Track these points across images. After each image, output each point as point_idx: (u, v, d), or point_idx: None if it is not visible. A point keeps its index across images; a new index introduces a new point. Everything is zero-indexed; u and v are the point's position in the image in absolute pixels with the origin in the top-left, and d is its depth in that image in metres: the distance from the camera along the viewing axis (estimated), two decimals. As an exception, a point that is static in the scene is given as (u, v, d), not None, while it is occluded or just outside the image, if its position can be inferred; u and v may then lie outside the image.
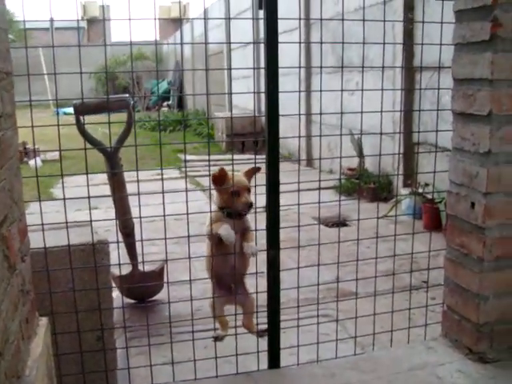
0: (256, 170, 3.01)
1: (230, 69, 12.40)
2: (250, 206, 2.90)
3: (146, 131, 15.76)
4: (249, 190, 2.95)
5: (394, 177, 7.06)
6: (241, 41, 13.06)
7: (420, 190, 5.89)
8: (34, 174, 2.35)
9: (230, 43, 12.28)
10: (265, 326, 2.77)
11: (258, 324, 2.94)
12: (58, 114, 2.29)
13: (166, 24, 35.28)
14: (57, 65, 2.25)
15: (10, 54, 2.00)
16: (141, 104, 22.52)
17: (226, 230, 2.84)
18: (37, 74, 2.63)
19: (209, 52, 16.82)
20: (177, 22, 34.92)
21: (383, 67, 2.62)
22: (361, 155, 7.27)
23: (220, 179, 2.93)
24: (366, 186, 7.23)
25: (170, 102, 22.66)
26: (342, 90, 2.50)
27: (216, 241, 2.90)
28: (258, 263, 2.69)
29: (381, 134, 2.63)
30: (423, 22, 2.51)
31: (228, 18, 12.20)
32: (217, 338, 3.01)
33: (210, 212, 2.94)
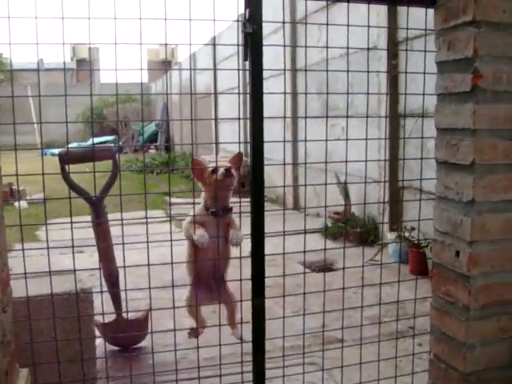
0: (239, 156, 3.05)
1: (216, 119, 12.62)
2: (227, 170, 2.96)
3: (132, 173, 15.76)
4: (230, 170, 2.99)
5: (380, 220, 7.08)
6: (227, 84, 13.23)
7: (406, 234, 5.90)
8: (20, 215, 2.35)
9: (216, 94, 12.53)
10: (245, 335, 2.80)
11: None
12: (43, 154, 2.29)
13: (154, 66, 35.70)
14: (45, 105, 2.27)
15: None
16: (128, 146, 22.61)
17: (199, 235, 2.93)
18: (25, 123, 2.65)
19: (197, 95, 17.00)
20: (165, 64, 35.35)
21: (367, 117, 2.65)
22: (347, 200, 7.30)
23: (197, 166, 3.03)
24: (352, 230, 7.24)
25: (157, 144, 22.77)
26: (326, 140, 2.53)
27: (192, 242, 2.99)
28: (244, 311, 2.67)
29: (365, 182, 2.65)
30: (406, 73, 2.56)
31: (214, 69, 12.46)
32: (192, 334, 3.02)
33: (194, 214, 2.98)
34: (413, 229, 5.80)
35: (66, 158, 3.27)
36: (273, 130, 2.57)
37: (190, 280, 3.11)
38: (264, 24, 2.30)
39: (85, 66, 36.73)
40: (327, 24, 2.41)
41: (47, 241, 2.36)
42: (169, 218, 8.56)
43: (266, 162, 2.39)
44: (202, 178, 3.04)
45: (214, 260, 2.90)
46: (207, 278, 3.10)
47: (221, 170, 2.96)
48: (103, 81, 28.44)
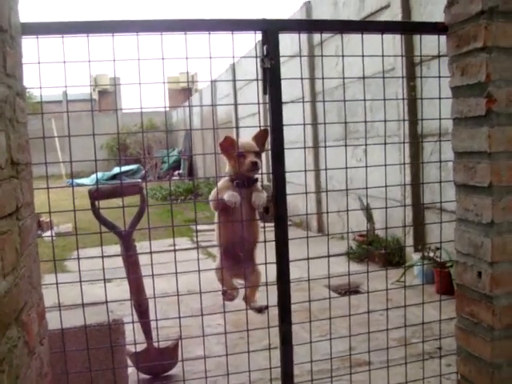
0: (264, 132, 3.05)
1: (238, 154, 13.03)
2: (254, 164, 2.98)
3: (157, 200, 15.93)
4: (257, 154, 3.03)
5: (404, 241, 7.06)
6: (248, 109, 13.37)
7: (431, 254, 5.88)
8: (49, 246, 2.44)
9: (237, 128, 12.80)
10: (264, 303, 2.81)
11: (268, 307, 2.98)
12: (72, 186, 2.39)
13: (175, 94, 36.14)
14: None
15: (29, 145, 2.10)
16: (152, 173, 22.84)
17: (229, 195, 2.96)
18: (54, 163, 2.74)
19: (218, 122, 17.15)
20: (186, 92, 35.74)
21: (385, 143, 2.71)
22: (370, 221, 7.30)
23: (227, 145, 3.06)
24: (377, 251, 7.23)
25: (180, 171, 22.95)
26: (346, 168, 2.59)
27: (220, 207, 3.01)
28: (271, 337, 2.71)
29: (386, 207, 2.70)
30: (422, 99, 2.61)
31: (235, 105, 12.63)
32: (225, 293, 3.06)
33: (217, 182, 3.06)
34: (437, 249, 5.78)
35: (95, 195, 3.38)
36: (294, 154, 2.67)
37: (219, 253, 3.14)
38: (282, 51, 2.39)
39: (106, 97, 37.31)
40: (343, 56, 2.49)
41: (79, 273, 2.44)
42: (195, 246, 8.63)
43: (288, 186, 2.46)
44: (231, 155, 3.08)
45: (242, 225, 2.87)
46: (235, 250, 3.13)
47: (247, 162, 3.01)
48: (125, 110, 28.78)
